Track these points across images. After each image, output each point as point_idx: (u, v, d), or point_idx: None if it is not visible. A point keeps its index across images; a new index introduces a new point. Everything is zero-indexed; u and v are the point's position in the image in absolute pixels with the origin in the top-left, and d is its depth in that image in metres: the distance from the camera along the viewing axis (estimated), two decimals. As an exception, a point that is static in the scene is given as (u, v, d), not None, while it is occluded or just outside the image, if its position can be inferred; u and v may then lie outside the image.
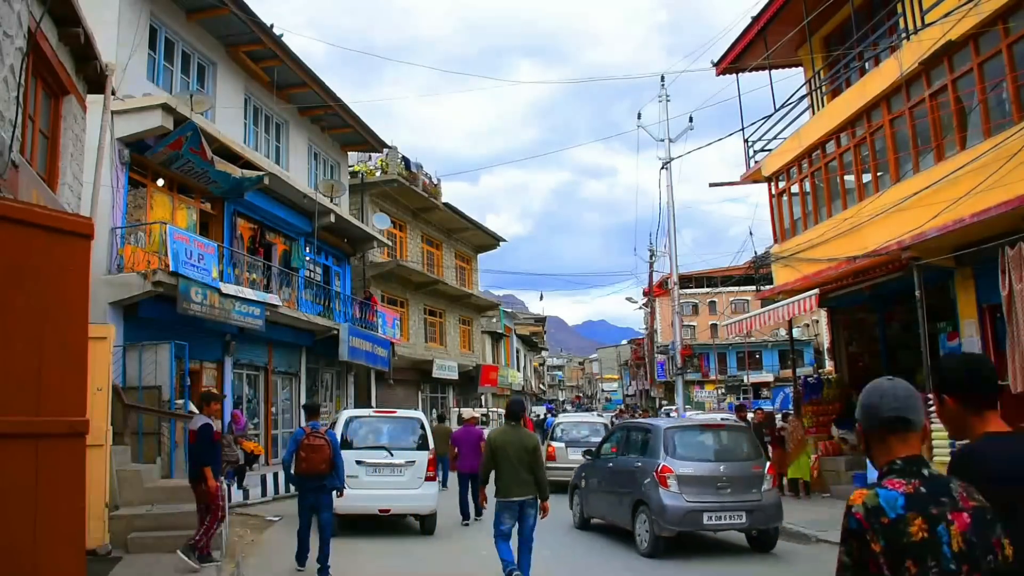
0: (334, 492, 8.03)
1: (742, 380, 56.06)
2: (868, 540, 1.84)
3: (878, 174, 13.82)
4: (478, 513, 11.67)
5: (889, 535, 1.83)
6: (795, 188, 16.57)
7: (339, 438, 9.17)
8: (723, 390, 56.55)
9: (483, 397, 34.79)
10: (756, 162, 17.44)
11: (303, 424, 8.35)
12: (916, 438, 2.02)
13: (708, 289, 57.57)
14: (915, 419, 2.01)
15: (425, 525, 11.06)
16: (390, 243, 25.22)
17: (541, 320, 64.30)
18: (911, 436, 2.01)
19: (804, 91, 16.50)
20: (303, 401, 18.31)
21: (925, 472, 1.93)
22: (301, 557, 8.05)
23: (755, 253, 20.55)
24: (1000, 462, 2.05)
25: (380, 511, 10.42)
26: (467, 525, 11.67)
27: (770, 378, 53.82)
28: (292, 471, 7.95)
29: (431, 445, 10.94)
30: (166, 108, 12.68)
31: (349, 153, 24.46)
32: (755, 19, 16.25)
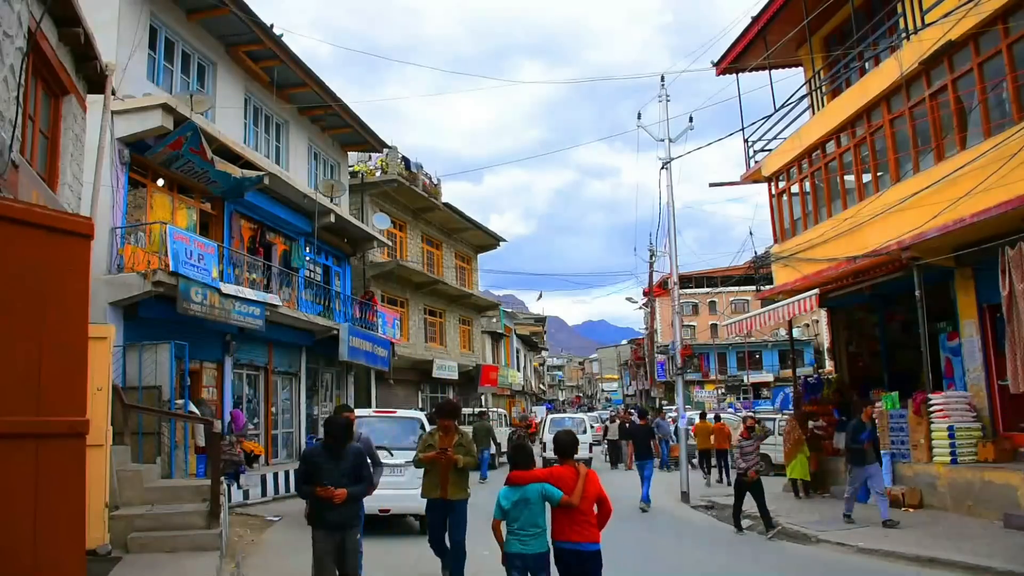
0: None
1: (742, 380, 56.08)
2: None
3: (878, 174, 13.82)
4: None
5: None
6: (795, 188, 16.57)
7: None
8: (723, 390, 56.55)
9: (483, 397, 34.78)
10: (756, 162, 17.44)
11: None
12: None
13: (708, 289, 57.61)
14: None
15: (425, 525, 11.06)
16: (390, 243, 25.21)
17: (541, 320, 64.27)
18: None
19: (804, 91, 16.49)
20: (303, 401, 19.48)
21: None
22: None
23: (755, 253, 20.56)
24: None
25: (380, 511, 10.43)
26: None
27: (770, 378, 53.87)
28: None
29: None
30: (166, 108, 12.67)
31: (349, 153, 24.47)
32: (755, 19, 16.25)
